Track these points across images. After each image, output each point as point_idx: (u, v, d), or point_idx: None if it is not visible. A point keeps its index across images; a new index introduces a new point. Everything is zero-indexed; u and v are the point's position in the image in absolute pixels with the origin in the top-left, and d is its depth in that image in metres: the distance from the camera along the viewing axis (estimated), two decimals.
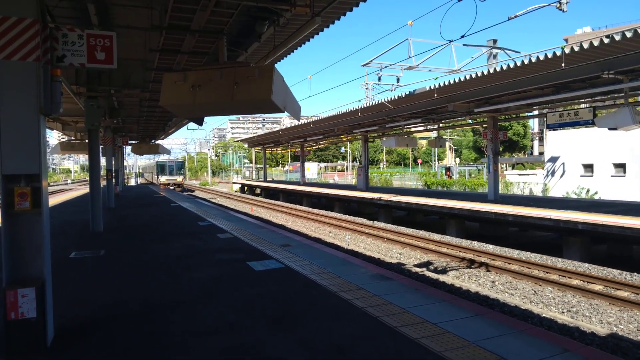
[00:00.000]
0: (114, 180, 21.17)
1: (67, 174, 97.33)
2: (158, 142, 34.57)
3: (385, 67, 16.90)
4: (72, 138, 27.19)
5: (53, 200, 23.94)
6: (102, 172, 18.58)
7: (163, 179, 46.09)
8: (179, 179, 47.39)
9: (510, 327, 4.37)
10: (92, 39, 4.89)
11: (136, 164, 71.04)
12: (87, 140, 13.91)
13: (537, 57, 11.04)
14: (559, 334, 5.53)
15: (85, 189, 34.50)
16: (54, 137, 45.78)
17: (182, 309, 5.16)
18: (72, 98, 12.82)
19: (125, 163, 42.83)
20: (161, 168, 48.18)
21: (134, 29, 8.24)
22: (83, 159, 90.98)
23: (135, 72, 12.33)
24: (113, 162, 21.51)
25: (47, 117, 4.58)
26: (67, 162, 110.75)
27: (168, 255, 8.25)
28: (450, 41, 12.66)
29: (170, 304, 5.36)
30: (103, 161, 18.86)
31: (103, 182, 19.30)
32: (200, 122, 10.13)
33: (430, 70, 17.14)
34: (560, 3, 9.51)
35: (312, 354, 3.88)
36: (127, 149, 38.14)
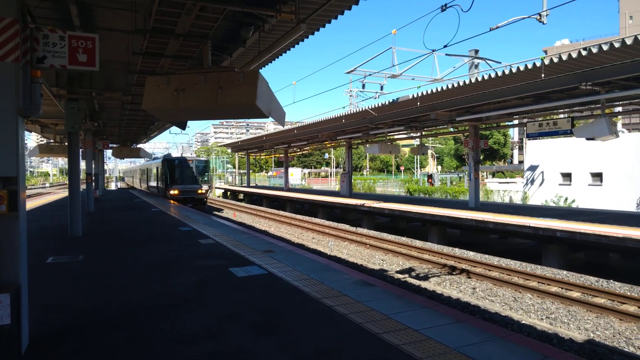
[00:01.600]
0: (93, 184, 20.81)
1: (45, 177, 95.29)
2: (139, 145, 34.15)
3: (369, 74, 17.04)
4: (51, 141, 26.65)
5: (31, 204, 23.40)
6: (82, 175, 18.24)
7: (175, 190, 25.78)
8: (203, 189, 26.58)
9: (490, 334, 4.41)
10: (74, 40, 4.82)
11: (117, 167, 69.50)
12: (66, 143, 13.68)
13: (518, 68, 11.26)
14: (538, 341, 5.61)
15: (64, 193, 33.84)
16: (32, 139, 44.06)
17: (163, 315, 5.08)
18: (52, 100, 12.60)
19: (105, 167, 42.16)
20: (170, 170, 26.59)
21: (117, 31, 8.15)
22: (62, 162, 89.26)
23: (117, 75, 12.18)
24: (93, 166, 21.17)
25: (25, 119, 4.48)
26: (46, 165, 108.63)
27: (149, 261, 8.13)
28: (433, 50, 12.83)
29: (150, 310, 5.27)
30: (83, 165, 18.53)
31: (83, 186, 18.96)
32: (183, 126, 10.06)
33: (413, 79, 17.34)
34: (540, 15, 9.73)
35: (295, 359, 3.86)
36: (108, 153, 37.67)
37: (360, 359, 3.89)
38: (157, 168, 29.59)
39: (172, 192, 25.48)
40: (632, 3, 70.46)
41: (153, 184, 32.27)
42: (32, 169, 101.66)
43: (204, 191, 26.30)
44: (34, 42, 4.56)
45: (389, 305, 5.31)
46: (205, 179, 27.17)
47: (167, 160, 26.93)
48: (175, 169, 26.55)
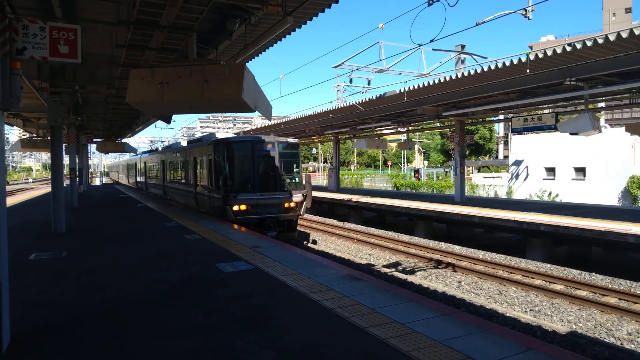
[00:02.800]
0: (77, 179, 20.51)
1: (28, 173, 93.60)
2: (124, 140, 33.74)
3: (357, 69, 17.02)
4: (34, 135, 26.19)
5: (13, 200, 22.99)
6: (66, 170, 17.95)
7: (241, 204, 12.85)
8: (295, 199, 13.52)
9: (476, 327, 4.45)
10: (55, 31, 4.73)
11: (101, 162, 68.43)
12: (49, 138, 13.43)
13: (503, 63, 11.34)
14: (523, 333, 5.68)
15: (47, 188, 33.30)
16: (14, 133, 42.90)
17: (148, 311, 5.03)
18: (33, 93, 12.35)
19: (89, 162, 41.53)
20: (230, 163, 13.58)
21: (100, 23, 8.01)
22: (45, 157, 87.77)
23: (101, 67, 11.98)
24: (77, 161, 20.85)
25: (5, 113, 4.38)
26: (29, 160, 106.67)
27: (134, 257, 8.04)
28: (420, 45, 12.85)
29: (135, 307, 5.21)
30: (66, 159, 18.24)
31: (66, 181, 18.67)
32: (168, 120, 9.95)
33: (400, 74, 17.38)
34: (525, 11, 9.80)
35: (281, 355, 3.85)
36: (92, 147, 37.07)
37: (346, 353, 3.89)
38: (194, 160, 16.18)
39: (236, 207, 12.82)
40: (615, 0, 71.47)
41: (181, 186, 18.65)
42: (14, 164, 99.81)
43: (295, 204, 13.60)
44: (13, 33, 4.44)
45: (376, 299, 5.33)
46: (296, 178, 14.33)
47: (224, 144, 13.56)
48: (242, 162, 13.72)
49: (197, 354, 3.90)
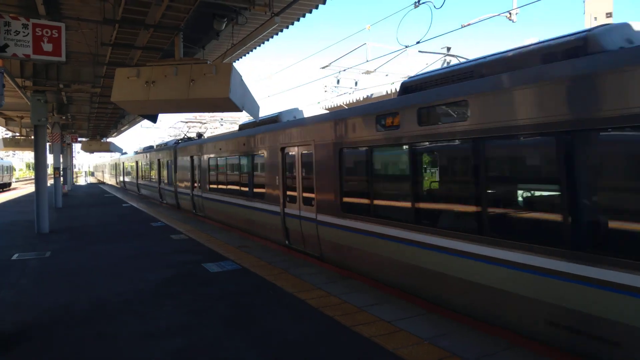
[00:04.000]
0: (62, 178, 20.23)
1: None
2: (110, 139, 33.40)
3: (344, 70, 17.08)
4: (17, 134, 25.81)
5: None
6: (50, 170, 17.70)
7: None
8: None
9: (461, 324, 4.49)
10: (39, 29, 4.68)
11: (86, 161, 67.62)
12: (32, 137, 13.24)
13: None
14: (508, 330, 5.75)
15: (31, 188, 32.78)
16: None
17: (133, 311, 4.99)
18: (16, 92, 12.18)
19: (74, 161, 41.02)
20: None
21: (85, 21, 7.93)
22: (29, 156, 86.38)
23: (86, 66, 11.86)
24: (61, 160, 20.57)
25: None
26: (12, 159, 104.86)
27: (119, 257, 7.96)
28: (407, 47, 12.93)
29: (120, 307, 5.17)
30: (51, 159, 17.99)
31: (51, 181, 18.43)
32: (154, 120, 9.87)
33: (387, 75, 17.47)
34: (510, 14, 9.92)
35: (266, 352, 3.85)
36: (77, 147, 36.63)
37: (331, 352, 3.91)
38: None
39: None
40: (596, 4, 72.74)
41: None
42: None
43: None
44: None
45: (362, 298, 5.35)
46: None
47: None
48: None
49: (183, 353, 3.88)
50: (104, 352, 3.92)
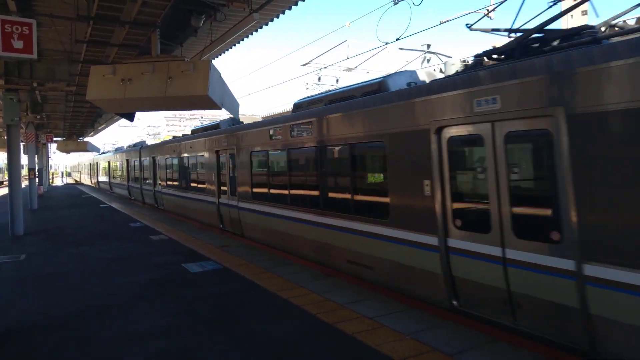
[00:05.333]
0: (37, 179, 19.76)
1: None
2: (87, 139, 32.75)
3: (325, 67, 17.08)
4: None
5: None
6: (25, 171, 17.25)
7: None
8: None
9: (443, 319, 4.53)
10: (8, 25, 4.55)
11: (63, 162, 66.15)
12: (5, 137, 12.88)
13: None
14: (489, 324, 5.81)
15: (4, 190, 31.93)
16: None
17: (113, 315, 4.89)
18: None
19: (50, 161, 40.08)
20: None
21: (58, 18, 7.71)
22: (3, 157, 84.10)
23: (60, 64, 11.57)
24: (36, 161, 20.08)
25: None
26: None
27: (97, 259, 7.80)
28: (387, 44, 12.98)
29: (99, 310, 5.06)
30: (25, 159, 17.54)
31: (25, 182, 17.96)
32: (131, 118, 9.71)
33: (368, 72, 17.53)
34: (487, 11, 10.04)
35: (249, 353, 3.82)
36: (53, 147, 35.79)
37: (314, 349, 3.89)
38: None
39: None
40: (572, 3, 74.17)
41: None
42: None
43: None
44: None
45: (344, 295, 5.35)
46: None
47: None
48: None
49: (167, 354, 3.82)
50: (83, 357, 3.83)
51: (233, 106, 8.32)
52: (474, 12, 9.63)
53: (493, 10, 9.84)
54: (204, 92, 6.54)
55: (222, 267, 6.98)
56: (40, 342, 4.16)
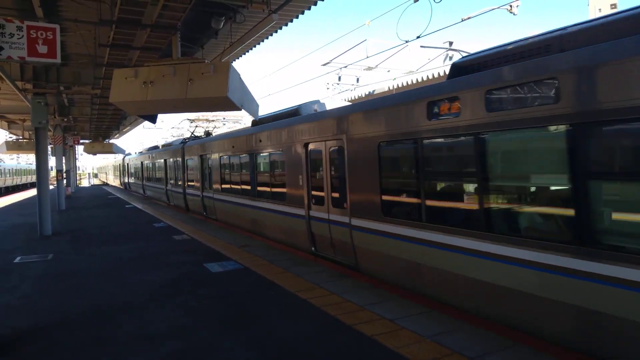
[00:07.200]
0: (64, 181, 20.28)
1: None
2: (112, 141, 33.45)
3: (345, 67, 17.00)
4: (20, 137, 25.90)
5: None
6: (54, 173, 17.72)
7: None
8: None
9: (463, 322, 4.44)
10: (33, 31, 4.65)
11: (90, 163, 67.76)
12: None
13: None
14: (510, 328, 5.68)
15: (34, 191, 32.91)
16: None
17: (133, 313, 4.96)
18: (17, 94, 12.18)
19: (78, 163, 41.09)
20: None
21: (82, 22, 7.88)
22: (33, 159, 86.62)
23: (85, 68, 11.83)
24: (64, 162, 20.61)
25: None
26: (16, 162, 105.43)
27: (120, 258, 7.95)
28: (407, 42, 12.84)
29: (120, 309, 5.14)
30: (54, 161, 18.03)
31: (54, 183, 18.47)
32: (153, 120, 9.85)
33: (389, 71, 17.36)
34: (511, 7, 9.81)
35: (265, 354, 3.82)
36: (80, 149, 36.69)
37: (332, 351, 3.87)
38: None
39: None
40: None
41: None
42: None
43: None
44: None
45: (364, 296, 5.31)
46: None
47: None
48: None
49: (182, 354, 3.85)
50: (103, 356, 3.89)
51: (252, 107, 8.36)
52: (497, 8, 9.43)
53: (517, 6, 9.61)
54: (223, 93, 6.58)
55: (243, 267, 7.02)
56: (61, 340, 4.25)
